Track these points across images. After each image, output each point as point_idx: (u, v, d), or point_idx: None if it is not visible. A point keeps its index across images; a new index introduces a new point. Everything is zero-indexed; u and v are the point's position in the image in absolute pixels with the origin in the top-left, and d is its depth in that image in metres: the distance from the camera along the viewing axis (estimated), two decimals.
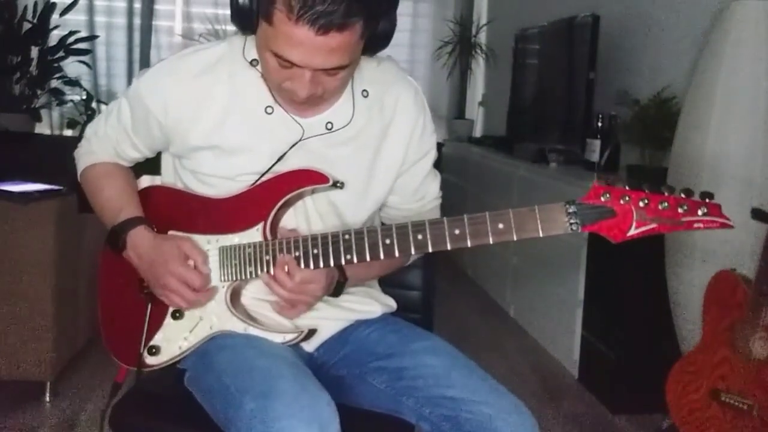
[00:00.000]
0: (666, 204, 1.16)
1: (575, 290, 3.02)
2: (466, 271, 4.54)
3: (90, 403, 2.57)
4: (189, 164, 1.40)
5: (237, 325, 1.37)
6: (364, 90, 1.39)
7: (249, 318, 1.38)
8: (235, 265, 1.36)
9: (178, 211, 1.43)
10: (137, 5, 5.46)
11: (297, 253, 1.30)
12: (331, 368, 1.44)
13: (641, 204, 1.16)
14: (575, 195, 1.21)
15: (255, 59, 1.33)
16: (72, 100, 4.75)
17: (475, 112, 5.82)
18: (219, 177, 1.38)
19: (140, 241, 1.38)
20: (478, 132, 5.69)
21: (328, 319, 1.45)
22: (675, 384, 2.19)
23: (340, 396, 1.29)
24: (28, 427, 2.40)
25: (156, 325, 1.41)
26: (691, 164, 2.32)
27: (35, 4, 4.42)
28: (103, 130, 1.49)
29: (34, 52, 4.29)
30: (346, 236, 1.29)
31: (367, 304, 1.49)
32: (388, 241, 1.26)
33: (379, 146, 1.41)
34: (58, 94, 4.51)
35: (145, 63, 5.42)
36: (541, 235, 1.20)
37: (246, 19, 1.25)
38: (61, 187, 2.48)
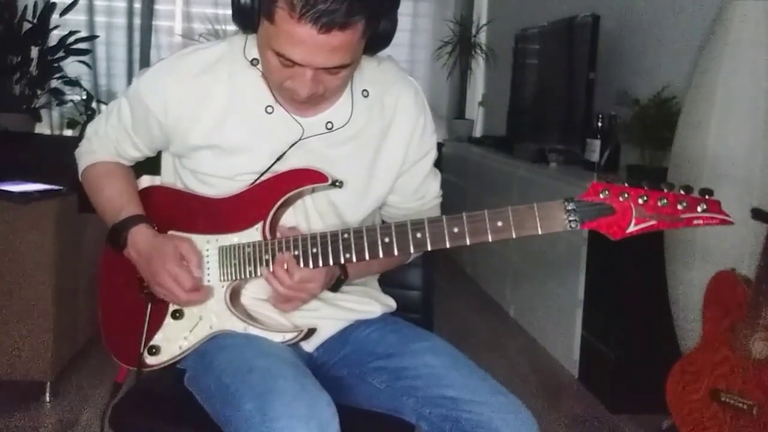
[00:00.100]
0: (665, 201, 1.15)
1: (575, 290, 3.02)
2: (465, 271, 4.54)
3: (90, 403, 2.57)
4: (189, 164, 1.40)
5: (237, 325, 1.37)
6: (365, 90, 1.39)
7: (249, 317, 1.38)
8: (235, 264, 1.36)
9: (178, 211, 1.43)
10: (137, 5, 5.47)
11: (296, 252, 1.30)
12: (331, 368, 1.44)
13: (640, 201, 1.16)
14: (575, 195, 1.21)
15: (255, 58, 1.33)
16: (72, 100, 4.75)
17: (475, 112, 5.82)
18: (219, 176, 1.37)
19: (141, 239, 1.38)
20: (478, 132, 5.69)
21: (328, 318, 1.45)
22: (675, 384, 2.19)
23: (340, 396, 1.29)
24: (28, 427, 2.40)
25: (156, 324, 1.41)
26: (691, 164, 2.32)
27: (35, 4, 4.43)
28: (104, 130, 1.49)
29: (34, 52, 4.30)
30: (345, 235, 1.28)
31: (367, 304, 1.49)
32: (387, 240, 1.26)
33: (380, 146, 1.41)
34: (58, 94, 4.51)
35: (145, 63, 5.43)
36: (540, 232, 1.20)
37: (247, 18, 1.25)
38: (61, 187, 2.48)
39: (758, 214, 2.14)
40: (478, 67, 5.73)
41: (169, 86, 1.36)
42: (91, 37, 5.05)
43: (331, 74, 1.24)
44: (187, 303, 1.37)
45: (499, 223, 1.21)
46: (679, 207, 1.15)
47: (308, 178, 1.34)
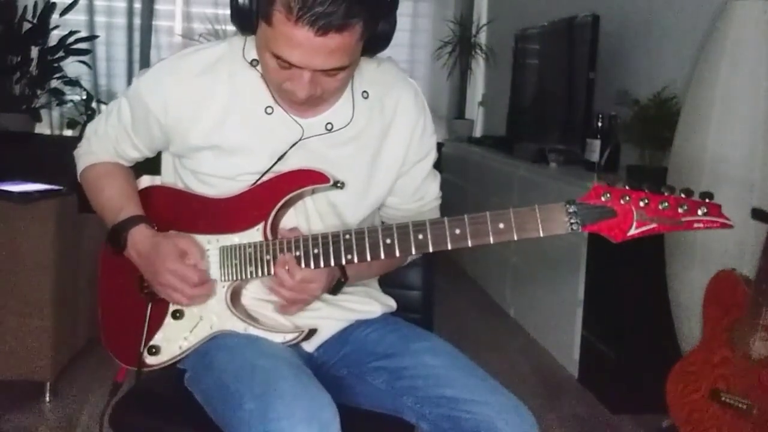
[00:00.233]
0: (666, 204, 1.16)
1: (575, 290, 3.02)
2: (466, 271, 4.54)
3: (90, 403, 2.57)
4: (189, 164, 1.41)
5: (237, 325, 1.37)
6: (365, 91, 1.39)
7: (249, 318, 1.38)
8: (236, 265, 1.36)
9: (179, 211, 1.43)
10: (137, 5, 5.46)
11: (297, 253, 1.31)
12: (331, 368, 1.44)
13: (641, 204, 1.16)
14: (575, 195, 1.22)
15: (255, 59, 1.33)
16: (72, 100, 4.75)
17: (475, 112, 5.82)
18: (219, 177, 1.38)
19: (141, 239, 1.38)
20: (478, 132, 5.69)
21: (328, 319, 1.45)
22: (675, 384, 2.19)
23: (340, 396, 1.29)
24: (28, 427, 2.40)
25: (156, 324, 1.41)
26: (691, 164, 2.32)
27: (35, 4, 4.43)
28: (103, 130, 1.49)
29: (34, 52, 4.30)
30: (347, 236, 1.29)
31: (367, 304, 1.49)
32: (388, 241, 1.26)
33: (380, 147, 1.41)
34: (58, 94, 4.51)
35: (145, 63, 5.43)
36: (541, 234, 1.20)
37: (246, 20, 1.25)
38: (61, 187, 2.48)
39: (758, 214, 2.15)
40: (478, 67, 5.73)
41: (170, 86, 1.36)
42: (91, 37, 5.05)
43: (329, 76, 1.24)
44: (194, 298, 1.36)
45: (501, 225, 1.21)
46: (680, 210, 1.16)
47: (309, 179, 1.34)
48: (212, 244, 1.38)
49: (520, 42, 4.54)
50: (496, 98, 5.30)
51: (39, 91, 4.37)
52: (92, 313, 2.54)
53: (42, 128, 4.96)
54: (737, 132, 2.25)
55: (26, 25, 4.27)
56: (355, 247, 1.28)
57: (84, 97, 4.80)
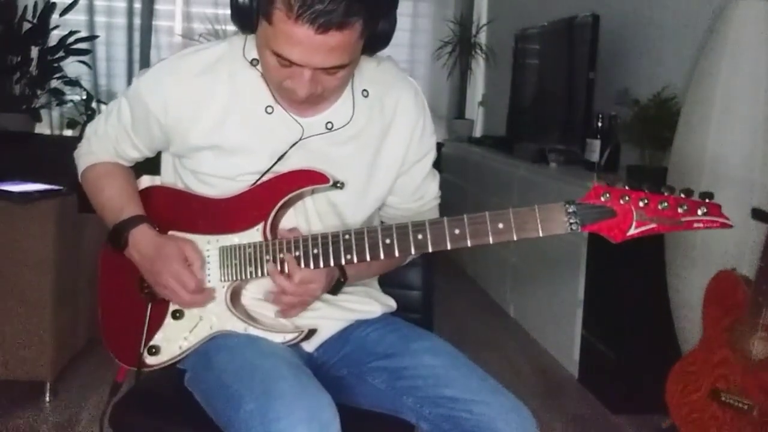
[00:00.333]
0: (666, 204, 1.16)
1: (575, 290, 3.02)
2: (465, 271, 4.54)
3: (90, 403, 2.57)
4: (189, 164, 1.40)
5: (237, 325, 1.37)
6: (365, 90, 1.39)
7: (249, 318, 1.38)
8: (235, 265, 1.36)
9: (178, 212, 1.43)
10: (137, 5, 5.46)
11: (297, 253, 1.31)
12: (331, 368, 1.44)
13: (641, 204, 1.16)
14: (575, 195, 1.22)
15: (255, 59, 1.33)
16: (72, 100, 4.75)
17: (475, 112, 5.82)
18: (219, 177, 1.38)
19: (142, 239, 1.38)
20: (478, 132, 5.69)
21: (328, 319, 1.45)
22: (675, 384, 2.19)
23: (340, 396, 1.29)
24: (28, 427, 2.40)
25: (156, 324, 1.41)
26: (691, 164, 2.32)
27: (35, 4, 4.43)
28: (103, 130, 1.49)
29: (34, 52, 4.30)
30: (346, 236, 1.29)
31: (367, 304, 1.49)
32: (388, 241, 1.26)
33: (380, 146, 1.41)
34: (58, 94, 4.51)
35: (145, 63, 5.43)
36: (541, 234, 1.20)
37: (246, 18, 1.25)
38: (61, 187, 2.48)
39: (758, 214, 2.15)
40: (478, 67, 5.73)
41: (170, 86, 1.36)
42: (91, 37, 5.05)
43: (330, 74, 1.24)
44: (190, 304, 1.37)
45: (500, 225, 1.21)
46: (680, 210, 1.16)
47: (309, 179, 1.34)
48: (212, 244, 1.38)
49: (520, 42, 4.54)
50: (496, 98, 5.30)
51: (39, 91, 4.37)
52: (92, 313, 2.54)
53: (42, 128, 4.96)
54: (737, 132, 2.25)
55: (26, 25, 4.27)
56: (354, 247, 1.28)
57: (84, 97, 4.80)
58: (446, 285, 4.23)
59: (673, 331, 2.48)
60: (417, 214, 1.47)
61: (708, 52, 2.32)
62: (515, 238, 1.21)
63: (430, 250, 1.25)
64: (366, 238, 1.28)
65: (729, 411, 2.05)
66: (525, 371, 3.14)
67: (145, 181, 1.55)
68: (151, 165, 1.53)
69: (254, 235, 1.35)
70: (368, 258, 1.28)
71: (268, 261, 1.32)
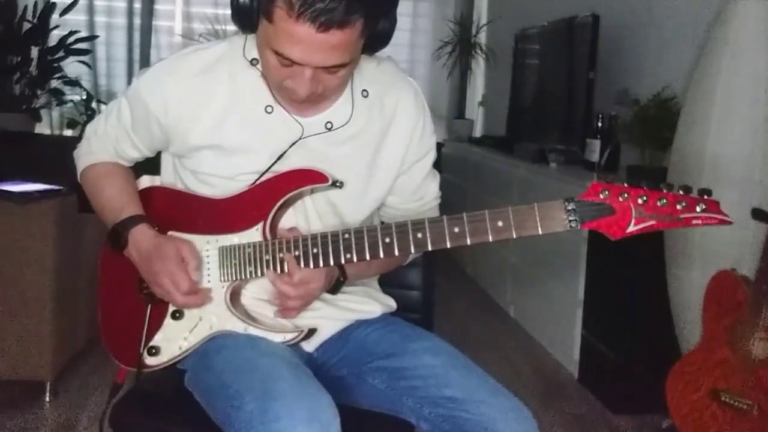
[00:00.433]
0: (664, 201, 1.16)
1: (575, 290, 3.02)
2: (465, 271, 4.54)
3: (90, 403, 2.57)
4: (189, 164, 1.40)
5: (237, 325, 1.37)
6: (364, 90, 1.39)
7: (249, 318, 1.38)
8: (235, 264, 1.36)
9: (178, 212, 1.43)
10: (137, 5, 5.47)
11: (297, 253, 1.31)
12: (331, 368, 1.44)
13: (640, 201, 1.16)
14: (575, 195, 1.21)
15: (255, 58, 1.33)
16: (72, 100, 4.75)
17: (475, 112, 5.82)
18: (219, 176, 1.37)
19: (141, 239, 1.38)
20: (478, 132, 5.69)
21: (328, 318, 1.45)
22: (675, 384, 2.19)
23: (340, 396, 1.29)
24: (28, 427, 2.40)
25: (156, 325, 1.41)
26: (691, 164, 2.32)
27: (35, 4, 4.43)
28: (103, 130, 1.49)
29: (34, 52, 4.30)
30: (346, 235, 1.29)
31: (367, 304, 1.49)
32: (387, 240, 1.26)
33: (379, 146, 1.41)
34: (58, 94, 4.51)
35: (145, 63, 5.43)
36: (540, 232, 1.20)
37: (246, 18, 1.25)
38: (61, 187, 2.48)
39: (758, 214, 2.15)
40: (478, 67, 5.73)
41: (169, 86, 1.36)
42: (91, 37, 5.05)
43: (330, 73, 1.24)
44: (184, 305, 1.37)
45: (500, 223, 1.21)
46: (678, 207, 1.16)
47: (309, 179, 1.34)
48: (211, 244, 1.38)
49: (520, 42, 4.54)
50: (496, 98, 5.30)
51: (39, 91, 4.37)
52: (92, 313, 2.54)
53: (42, 128, 4.96)
54: (737, 132, 2.25)
55: (26, 25, 4.27)
56: (354, 246, 1.28)
57: (84, 97, 4.81)
58: (446, 285, 4.23)
59: (673, 331, 2.48)
60: (417, 214, 1.47)
61: (708, 52, 2.32)
62: (515, 236, 1.20)
63: (430, 248, 1.25)
64: (366, 237, 1.27)
65: (729, 411, 2.05)
66: (525, 371, 3.14)
67: (145, 181, 1.55)
68: (151, 165, 1.53)
69: (254, 234, 1.35)
70: (368, 257, 1.28)
71: (267, 260, 1.32)
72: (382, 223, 1.45)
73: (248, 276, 1.35)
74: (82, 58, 4.59)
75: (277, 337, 1.36)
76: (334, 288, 1.38)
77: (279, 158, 1.35)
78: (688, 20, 3.06)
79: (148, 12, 5.48)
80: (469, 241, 1.23)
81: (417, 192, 1.48)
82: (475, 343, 3.32)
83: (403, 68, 1.47)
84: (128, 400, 1.42)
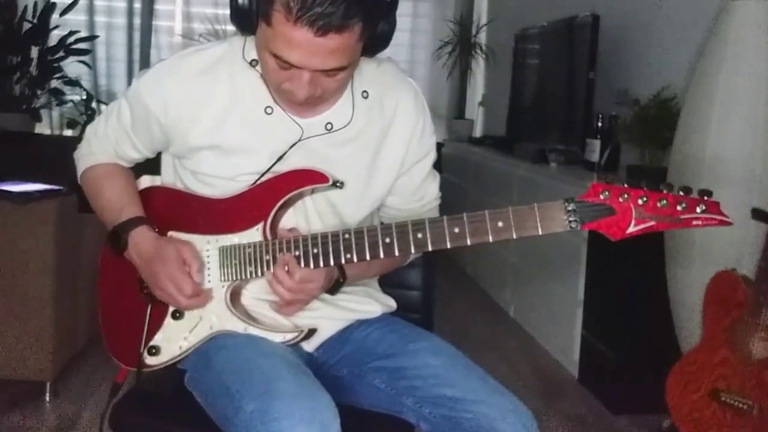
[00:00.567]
0: (665, 201, 1.16)
1: (575, 290, 3.02)
2: (465, 271, 4.54)
3: (90, 403, 2.57)
4: (189, 164, 1.41)
5: (237, 325, 1.37)
6: (364, 91, 1.39)
7: (249, 318, 1.38)
8: (235, 264, 1.36)
9: (178, 212, 1.43)
10: (137, 5, 5.47)
11: (297, 253, 1.31)
12: (331, 368, 1.44)
13: (640, 202, 1.16)
14: (575, 195, 1.21)
15: (255, 60, 1.33)
16: (72, 100, 4.75)
17: (475, 112, 5.82)
18: (219, 177, 1.38)
19: (142, 240, 1.38)
20: (478, 132, 5.69)
21: (328, 318, 1.45)
22: (675, 384, 2.19)
23: (340, 396, 1.29)
24: (28, 427, 2.40)
25: (156, 325, 1.41)
26: (691, 164, 2.32)
27: (35, 4, 4.43)
28: (103, 131, 1.49)
29: (34, 52, 4.30)
30: (346, 235, 1.29)
31: (367, 303, 1.49)
32: (387, 240, 1.26)
33: (379, 147, 1.41)
34: (58, 94, 4.51)
35: (145, 63, 5.43)
36: (540, 233, 1.20)
37: (245, 20, 1.25)
38: (61, 187, 2.48)
39: (758, 214, 2.15)
40: (478, 67, 5.73)
41: (169, 87, 1.36)
42: (91, 37, 5.05)
43: (329, 76, 1.24)
44: (187, 307, 1.37)
45: (500, 224, 1.21)
46: (679, 208, 1.16)
47: (309, 179, 1.34)
48: (212, 244, 1.38)
49: (520, 42, 4.54)
50: (496, 98, 5.30)
51: (39, 91, 4.37)
52: (92, 313, 2.54)
53: (42, 128, 4.96)
54: (737, 132, 2.25)
55: (26, 25, 4.27)
56: (354, 246, 1.28)
57: (84, 97, 4.81)
58: (446, 285, 4.23)
59: (673, 331, 2.48)
60: (417, 215, 1.47)
61: (708, 52, 2.32)
62: (515, 237, 1.21)
63: (430, 248, 1.25)
64: (366, 237, 1.28)
65: (729, 411, 2.05)
66: (525, 371, 3.14)
67: (145, 181, 1.55)
68: (151, 165, 1.54)
69: (254, 234, 1.35)
70: (368, 257, 1.28)
71: (267, 260, 1.32)
72: (382, 223, 1.45)
73: (248, 276, 1.35)
74: (82, 58, 4.59)
75: (277, 337, 1.36)
76: (333, 289, 1.39)
77: (279, 159, 1.35)
78: (688, 20, 3.06)
79: (148, 12, 5.48)
80: (469, 242, 1.23)
81: (417, 192, 1.48)
82: (475, 343, 3.32)
83: (403, 68, 1.47)
84: (128, 400, 1.42)
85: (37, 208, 2.42)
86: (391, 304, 1.54)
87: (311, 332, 1.39)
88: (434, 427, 1.32)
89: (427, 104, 1.46)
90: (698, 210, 1.16)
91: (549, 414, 2.72)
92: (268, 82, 1.31)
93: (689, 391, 2.14)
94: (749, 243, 2.22)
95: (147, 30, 5.50)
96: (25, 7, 4.37)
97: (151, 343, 1.40)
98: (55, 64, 4.36)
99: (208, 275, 1.38)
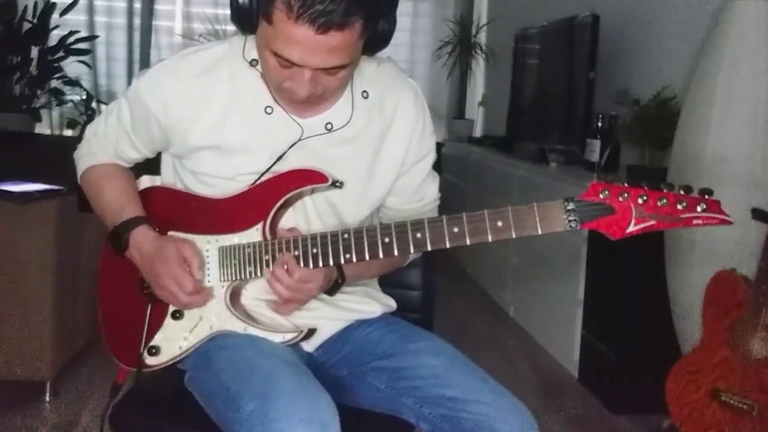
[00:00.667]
0: (665, 201, 1.16)
1: (575, 290, 3.02)
2: (465, 271, 4.54)
3: (90, 403, 2.57)
4: (189, 164, 1.40)
5: (237, 325, 1.37)
6: (364, 91, 1.39)
7: (249, 318, 1.38)
8: (235, 264, 1.36)
9: (178, 212, 1.43)
10: (137, 5, 5.47)
11: (296, 253, 1.31)
12: (331, 368, 1.44)
13: (640, 201, 1.16)
14: (575, 195, 1.21)
15: (255, 59, 1.33)
16: (72, 100, 4.76)
17: (475, 112, 5.82)
18: (219, 177, 1.38)
19: (142, 240, 1.38)
20: (478, 132, 5.69)
21: (328, 318, 1.45)
22: (675, 384, 2.19)
23: (340, 396, 1.29)
24: (28, 427, 2.40)
25: (156, 325, 1.41)
26: (691, 164, 2.32)
27: (35, 4, 4.43)
28: (103, 131, 1.49)
29: (34, 52, 4.30)
30: (345, 235, 1.29)
31: (367, 303, 1.49)
32: (387, 240, 1.26)
33: (379, 147, 1.41)
34: (58, 94, 4.52)
35: (145, 63, 5.43)
36: (540, 232, 1.20)
37: (246, 19, 1.25)
38: (61, 187, 2.48)
39: (758, 214, 2.15)
40: (478, 67, 5.73)
41: (169, 87, 1.36)
42: (91, 37, 5.05)
43: (330, 75, 1.24)
44: (188, 305, 1.37)
45: (499, 223, 1.21)
46: (679, 207, 1.15)
47: (309, 179, 1.34)
48: (211, 244, 1.38)
49: (520, 42, 4.54)
50: (496, 98, 5.30)
51: (39, 91, 4.37)
52: (92, 313, 2.54)
53: (42, 128, 4.96)
54: (737, 132, 2.25)
55: (26, 25, 4.27)
56: (353, 246, 1.28)
57: (84, 97, 4.81)
58: (446, 285, 4.23)
59: (673, 331, 2.48)
60: (417, 215, 1.46)
61: (708, 52, 2.32)
62: (514, 236, 1.20)
63: (429, 248, 1.25)
64: (365, 237, 1.27)
65: (729, 411, 2.05)
66: (525, 371, 3.14)
67: (145, 181, 1.55)
68: (151, 165, 1.54)
69: (253, 234, 1.35)
70: (367, 257, 1.28)
71: (267, 260, 1.32)
72: (381, 223, 1.45)
73: (248, 276, 1.35)
74: (82, 58, 4.60)
75: (277, 337, 1.36)
76: (332, 290, 1.38)
77: (279, 159, 1.35)
78: (688, 20, 3.06)
79: (148, 12, 5.48)
80: (468, 241, 1.22)
81: (417, 193, 1.48)
82: (475, 343, 3.32)
83: (403, 68, 1.47)
84: (128, 400, 1.42)
85: (37, 208, 2.42)
86: (391, 304, 1.54)
87: (311, 332, 1.39)
88: (434, 427, 1.32)
89: (427, 104, 1.46)
90: (699, 209, 1.15)
91: (549, 414, 2.72)
92: (269, 81, 1.31)
93: (689, 391, 2.14)
94: (749, 243, 2.22)
95: (147, 30, 5.50)
96: (25, 7, 4.37)
97: (151, 343, 1.40)
98: (55, 64, 4.36)
99: (208, 275, 1.38)
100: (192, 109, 1.35)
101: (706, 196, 1.16)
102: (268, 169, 1.36)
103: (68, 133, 5.02)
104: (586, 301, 2.97)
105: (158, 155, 1.51)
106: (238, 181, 1.37)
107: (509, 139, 4.51)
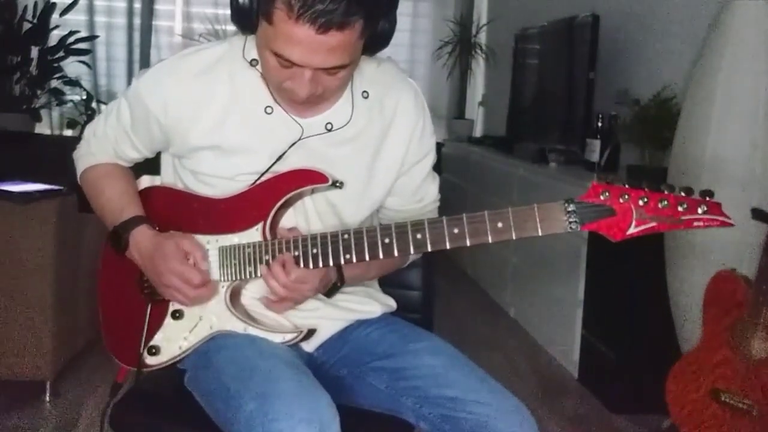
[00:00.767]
0: (666, 202, 1.15)
1: (575, 290, 3.02)
2: (466, 271, 4.54)
3: (90, 403, 2.57)
4: (189, 164, 1.41)
5: (237, 325, 1.37)
6: (365, 91, 1.39)
7: (249, 318, 1.38)
8: (235, 264, 1.36)
9: (178, 212, 1.43)
10: (137, 5, 5.47)
11: (296, 253, 1.31)
12: (331, 368, 1.44)
13: (641, 202, 1.16)
14: (575, 195, 1.21)
15: (255, 59, 1.33)
16: (72, 100, 4.76)
17: (475, 112, 5.82)
18: (219, 177, 1.38)
19: (142, 240, 1.38)
20: (478, 132, 5.69)
21: (328, 319, 1.45)
22: (675, 384, 2.19)
23: (340, 396, 1.29)
24: (28, 427, 2.40)
25: (156, 325, 1.41)
26: (691, 164, 2.32)
27: (35, 4, 4.43)
28: (102, 131, 1.49)
29: (34, 52, 4.30)
30: (345, 236, 1.29)
31: (367, 304, 1.49)
32: (387, 241, 1.26)
33: (379, 147, 1.41)
34: (58, 94, 4.52)
35: (145, 63, 5.43)
36: (540, 234, 1.20)
37: (246, 19, 1.25)
38: (61, 187, 2.48)
39: (758, 214, 2.15)
40: (478, 67, 5.73)
41: (169, 87, 1.36)
42: (91, 37, 5.05)
43: (330, 74, 1.24)
44: (196, 300, 1.36)
45: (500, 224, 1.21)
46: (680, 209, 1.15)
47: (309, 179, 1.34)
48: (211, 244, 1.38)
49: (520, 42, 4.54)
50: (496, 98, 5.30)
51: (39, 91, 4.37)
52: (92, 313, 2.54)
53: (42, 128, 4.96)
54: (737, 132, 2.25)
55: (26, 25, 4.27)
56: (353, 246, 1.28)
57: (84, 97, 4.81)
58: (446, 285, 4.23)
59: (673, 331, 2.48)
60: (417, 216, 1.46)
61: (708, 52, 2.32)
62: (514, 237, 1.20)
63: (429, 249, 1.25)
64: (365, 238, 1.27)
65: (729, 411, 2.05)
66: (525, 371, 3.14)
67: (145, 181, 1.55)
68: (151, 165, 1.54)
69: (254, 234, 1.35)
70: (367, 257, 1.28)
71: (267, 261, 1.32)
72: (381, 224, 1.45)
73: (248, 276, 1.35)
74: (82, 58, 4.60)
75: (277, 338, 1.36)
76: (330, 292, 1.38)
77: (279, 159, 1.35)
78: (688, 20, 3.06)
79: (148, 12, 5.48)
80: (468, 242, 1.22)
81: (417, 193, 1.48)
82: (475, 343, 3.32)
83: (403, 68, 1.47)
84: (128, 400, 1.42)
85: (37, 208, 2.42)
86: (391, 304, 1.54)
87: (311, 332, 1.39)
88: (434, 427, 1.32)
89: (427, 104, 1.46)
90: (700, 211, 1.15)
91: (549, 414, 2.72)
92: (269, 81, 1.31)
93: (689, 391, 2.14)
94: (749, 243, 2.22)
95: (147, 30, 5.50)
96: (25, 7, 4.37)
97: (151, 342, 1.40)
98: (55, 64, 4.36)
99: (210, 275, 1.38)
100: (192, 109, 1.35)
101: (707, 198, 1.16)
102: (268, 169, 1.36)
103: (68, 133, 5.02)
104: (586, 301, 2.97)
105: (158, 155, 1.51)
106: (238, 181, 1.37)
107: (509, 139, 4.51)
